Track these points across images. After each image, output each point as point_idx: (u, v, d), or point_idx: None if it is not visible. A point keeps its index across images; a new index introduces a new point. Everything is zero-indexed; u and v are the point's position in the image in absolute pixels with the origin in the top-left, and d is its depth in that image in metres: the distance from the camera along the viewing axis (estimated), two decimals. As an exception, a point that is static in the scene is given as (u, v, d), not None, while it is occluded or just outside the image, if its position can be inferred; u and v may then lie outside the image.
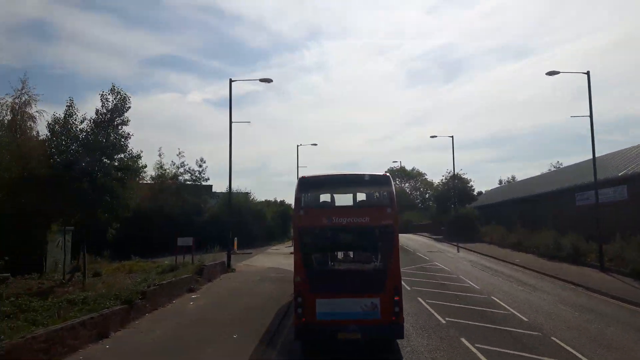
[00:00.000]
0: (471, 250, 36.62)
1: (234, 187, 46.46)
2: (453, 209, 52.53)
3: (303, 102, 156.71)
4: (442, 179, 54.55)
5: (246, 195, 47.09)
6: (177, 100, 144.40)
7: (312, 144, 52.78)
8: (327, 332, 9.93)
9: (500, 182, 78.41)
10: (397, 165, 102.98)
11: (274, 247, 41.94)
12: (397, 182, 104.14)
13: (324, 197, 12.00)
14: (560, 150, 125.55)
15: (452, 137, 48.26)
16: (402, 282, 11.04)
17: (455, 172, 53.36)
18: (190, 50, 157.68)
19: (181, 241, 24.30)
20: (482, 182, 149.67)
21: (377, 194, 11.96)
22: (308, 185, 11.21)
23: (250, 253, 36.25)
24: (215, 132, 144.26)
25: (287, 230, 48.85)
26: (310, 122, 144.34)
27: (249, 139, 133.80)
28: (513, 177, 79.57)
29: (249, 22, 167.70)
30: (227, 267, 25.18)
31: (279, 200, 59.54)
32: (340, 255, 12.23)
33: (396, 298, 9.91)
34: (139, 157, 18.48)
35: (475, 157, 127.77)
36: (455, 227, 47.61)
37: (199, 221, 41.63)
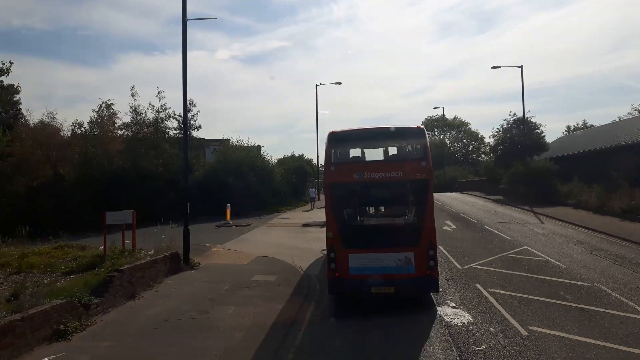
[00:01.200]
0: (560, 220, 25.52)
1: (244, 140, 36.61)
2: (517, 163, 40.99)
3: (331, 57, 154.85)
4: (503, 125, 42.65)
5: (256, 149, 36.70)
6: (205, 58, 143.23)
7: (335, 83, 41.60)
8: (360, 287, 9.84)
9: (569, 129, 65.06)
10: (436, 114, 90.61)
11: (284, 215, 31.93)
12: (436, 133, 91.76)
13: (355, 152, 11.86)
14: (596, 101, 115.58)
15: (522, 67, 36.57)
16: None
17: (520, 116, 41.40)
18: (216, 8, 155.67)
19: (112, 218, 14.36)
20: None
21: (410, 147, 11.82)
22: (338, 139, 10.76)
23: (248, 225, 26.35)
24: (243, 89, 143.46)
25: (303, 191, 38.71)
26: (339, 77, 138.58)
27: (276, 95, 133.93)
28: (585, 124, 66.08)
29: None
30: (182, 262, 14.91)
31: (297, 155, 49.44)
32: (372, 209, 11.87)
33: (431, 252, 9.84)
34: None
35: (507, 110, 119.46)
36: (524, 186, 36.31)
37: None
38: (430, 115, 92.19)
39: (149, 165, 31.57)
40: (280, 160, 40.34)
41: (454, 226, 23.35)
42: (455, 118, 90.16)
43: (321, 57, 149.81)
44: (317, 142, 43.00)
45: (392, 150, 12.64)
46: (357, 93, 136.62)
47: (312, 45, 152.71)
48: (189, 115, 35.11)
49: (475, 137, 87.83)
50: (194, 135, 35.35)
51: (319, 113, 41.17)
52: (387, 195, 10.76)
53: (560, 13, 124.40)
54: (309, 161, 48.66)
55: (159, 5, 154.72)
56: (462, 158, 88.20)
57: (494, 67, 36.72)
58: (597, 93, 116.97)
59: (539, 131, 41.17)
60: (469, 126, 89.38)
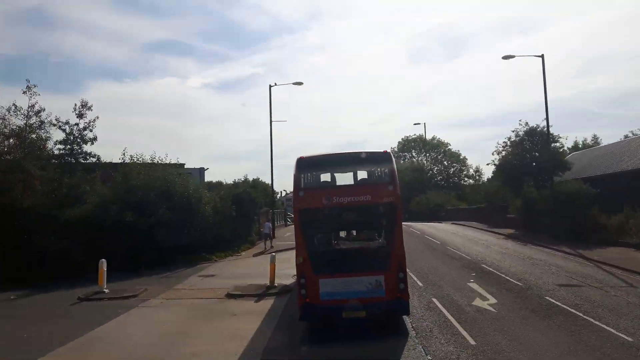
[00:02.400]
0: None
1: (163, 158, 25.69)
2: (528, 187, 31.54)
3: (306, 83, 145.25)
4: (510, 137, 33.22)
5: (174, 168, 25.67)
6: (177, 84, 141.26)
7: (294, 83, 31.62)
8: (331, 312, 9.86)
9: (577, 145, 56.44)
10: (413, 133, 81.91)
11: (209, 270, 20.65)
12: (414, 154, 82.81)
13: (325, 177, 11.95)
14: (563, 127, 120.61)
15: (542, 55, 27.35)
16: None
17: (534, 125, 32.20)
18: (189, 35, 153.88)
19: None
20: (487, 160, 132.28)
21: (377, 171, 11.94)
22: (306, 165, 10.87)
23: (134, 296, 15.42)
24: (217, 116, 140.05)
25: (248, 227, 27.86)
26: (313, 103, 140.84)
27: (250, 122, 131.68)
28: (595, 140, 57.81)
29: (248, 4, 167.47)
30: None
31: (250, 179, 38.99)
32: (342, 234, 12.04)
33: (400, 275, 9.93)
34: None
35: (476, 135, 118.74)
36: (548, 216, 26.69)
37: (65, 219, 20.97)
38: (407, 135, 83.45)
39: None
40: (215, 187, 29.33)
41: (492, 299, 13.02)
42: (434, 138, 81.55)
43: (291, 86, 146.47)
44: (271, 162, 32.85)
45: (362, 174, 12.48)
46: (330, 118, 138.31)
47: (285, 72, 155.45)
48: (80, 122, 24.32)
49: (457, 158, 79.20)
50: (86, 150, 24.38)
51: (274, 123, 30.91)
52: (356, 219, 10.94)
53: (527, 40, 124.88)
54: (264, 186, 38.16)
55: (132, 32, 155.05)
56: (443, 182, 79.19)
57: (505, 57, 27.30)
58: (562, 117, 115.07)
59: (557, 144, 31.99)
60: (449, 147, 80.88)
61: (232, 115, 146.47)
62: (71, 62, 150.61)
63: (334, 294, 9.81)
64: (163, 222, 21.12)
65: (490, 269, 17.51)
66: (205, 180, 42.26)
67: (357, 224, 11.33)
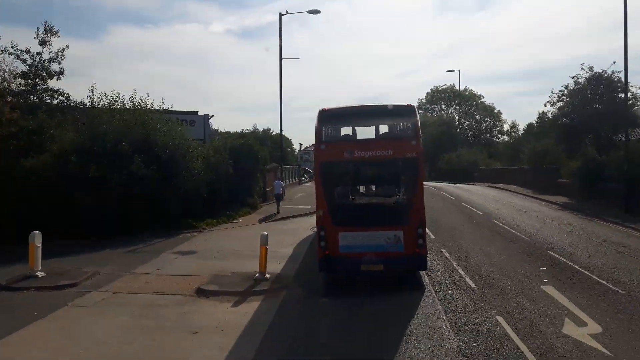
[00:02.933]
0: None
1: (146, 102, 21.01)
2: (587, 147, 26.18)
3: (328, 33, 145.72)
4: (568, 85, 27.43)
5: (158, 113, 20.76)
6: (199, 31, 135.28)
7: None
8: (350, 264, 9.92)
9: None
10: (444, 84, 75.29)
11: (193, 242, 16.33)
12: (443, 107, 76.46)
13: (346, 131, 11.86)
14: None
15: (629, -24, 21.18)
16: None
17: (599, 71, 26.38)
18: None
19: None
20: (515, 117, 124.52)
21: (400, 125, 11.82)
22: (328, 117, 10.78)
23: (72, 284, 11.24)
24: (238, 66, 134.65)
25: (250, 189, 23.43)
26: (335, 55, 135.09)
27: (271, 72, 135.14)
28: None
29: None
30: None
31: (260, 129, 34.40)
32: (362, 188, 12.05)
33: (420, 230, 9.91)
34: None
35: (505, 91, 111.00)
36: (626, 183, 21.45)
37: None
38: (437, 85, 76.73)
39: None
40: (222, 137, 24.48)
41: (593, 325, 8.27)
42: (465, 89, 74.68)
43: (316, 33, 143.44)
44: (280, 108, 28.02)
45: (383, 129, 12.64)
46: (352, 71, 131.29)
47: (307, 21, 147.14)
48: (43, 51, 19.73)
49: (491, 112, 72.53)
50: (52, 87, 19.95)
51: (284, 60, 25.85)
52: (377, 173, 10.97)
53: None
54: (276, 138, 33.55)
55: None
56: (473, 138, 73.11)
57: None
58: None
59: (629, 95, 26.12)
60: (482, 99, 74.08)
61: (254, 66, 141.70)
62: (92, 5, 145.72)
63: (353, 247, 9.90)
64: (137, 178, 16.80)
65: (564, 259, 12.74)
66: (215, 128, 37.91)
67: (379, 178, 11.27)
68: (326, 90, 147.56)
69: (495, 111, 72.07)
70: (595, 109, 26.35)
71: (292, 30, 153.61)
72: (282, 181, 25.43)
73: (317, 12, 26.56)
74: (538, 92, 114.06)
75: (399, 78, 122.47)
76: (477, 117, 74.19)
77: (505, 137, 71.37)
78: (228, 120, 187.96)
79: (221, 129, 41.36)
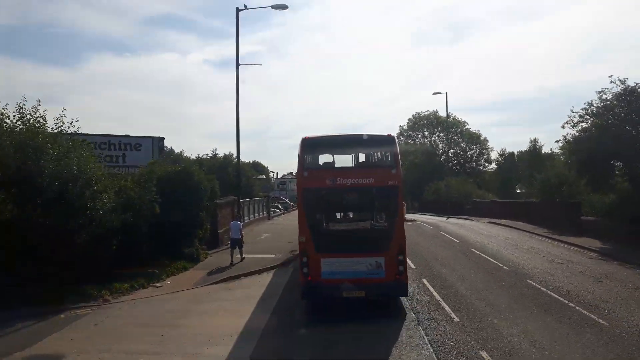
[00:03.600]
0: None
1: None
2: (620, 175, 21.14)
3: (305, 63, 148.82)
4: (592, 103, 22.44)
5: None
6: (178, 60, 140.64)
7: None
8: (332, 291, 10.08)
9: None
10: (426, 109, 71.19)
11: (69, 331, 9.66)
12: (426, 134, 72.13)
13: (326, 158, 11.95)
14: (564, 114, 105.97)
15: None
16: None
17: (635, 84, 21.53)
18: (189, 9, 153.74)
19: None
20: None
21: (379, 154, 12.00)
22: (311, 145, 10.95)
23: None
24: (215, 94, 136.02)
25: (188, 228, 16.93)
26: (312, 83, 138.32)
27: (248, 101, 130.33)
28: None
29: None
30: None
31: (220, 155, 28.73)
32: (344, 215, 12.07)
33: (400, 257, 10.14)
34: None
35: (479, 121, 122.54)
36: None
37: None
38: (419, 111, 72.54)
39: None
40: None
41: None
42: (449, 116, 70.48)
43: (294, 63, 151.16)
44: (237, 132, 22.17)
45: (362, 157, 12.70)
46: (331, 100, 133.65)
47: (285, 51, 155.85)
48: None
49: (477, 139, 68.38)
50: None
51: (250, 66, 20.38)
52: (358, 201, 11.22)
53: (530, 26, 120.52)
54: (244, 167, 27.82)
55: (132, 5, 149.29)
56: (458, 167, 68.59)
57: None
58: (565, 106, 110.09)
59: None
60: (467, 126, 69.98)
61: (230, 95, 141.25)
62: (71, 33, 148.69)
63: (335, 273, 10.11)
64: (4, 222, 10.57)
65: None
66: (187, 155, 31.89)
67: (360, 205, 11.46)
68: (305, 118, 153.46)
69: (482, 138, 67.97)
70: (628, 130, 21.39)
71: (269, 60, 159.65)
72: (241, 220, 19.36)
73: (284, 7, 21.16)
74: (507, 122, 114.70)
75: (377, 106, 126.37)
76: (463, 144, 69.88)
77: (493, 166, 67.05)
78: (203, 148, 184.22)
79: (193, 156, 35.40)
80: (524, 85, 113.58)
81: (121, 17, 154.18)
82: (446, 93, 45.99)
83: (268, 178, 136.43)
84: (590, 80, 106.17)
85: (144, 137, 30.42)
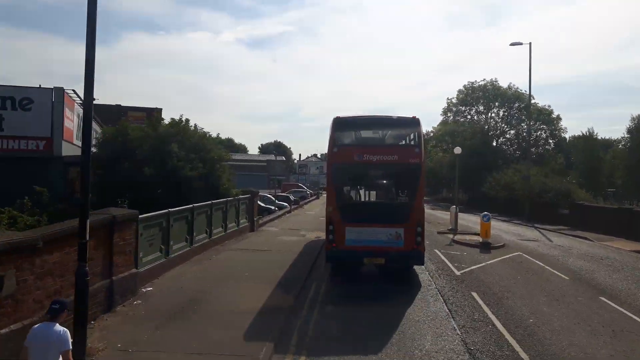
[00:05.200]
0: None
1: None
2: None
3: (336, 45, 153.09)
4: None
5: None
6: (209, 39, 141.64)
7: None
8: (354, 257, 11.39)
9: None
10: (483, 78, 56.37)
11: None
12: (481, 108, 57.50)
13: (356, 137, 13.08)
14: (605, 101, 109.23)
15: None
16: None
17: None
18: None
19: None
20: None
21: (405, 135, 13.01)
22: (341, 124, 12.09)
23: None
24: (246, 74, 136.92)
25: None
26: (342, 66, 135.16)
27: (279, 82, 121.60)
28: None
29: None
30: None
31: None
32: (369, 188, 13.33)
33: (419, 229, 11.21)
34: None
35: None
36: None
37: None
38: (472, 81, 57.90)
39: None
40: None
41: None
42: (510, 87, 55.72)
43: (325, 44, 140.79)
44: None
45: (390, 139, 13.58)
46: (360, 83, 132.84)
47: (316, 32, 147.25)
48: None
49: (546, 117, 53.43)
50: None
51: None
52: (382, 176, 12.31)
53: (568, 10, 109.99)
54: (191, 134, 14.76)
55: None
56: (517, 152, 54.07)
57: None
58: (604, 93, 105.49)
59: None
60: (534, 101, 54.91)
61: (261, 75, 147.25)
62: (105, 11, 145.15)
63: (358, 241, 11.23)
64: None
65: None
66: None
67: (384, 180, 12.49)
68: (332, 101, 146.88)
69: (554, 116, 52.93)
70: None
71: (301, 43, 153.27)
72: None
73: None
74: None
75: (408, 89, 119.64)
76: (526, 123, 54.86)
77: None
78: (235, 128, 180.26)
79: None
80: (562, 71, 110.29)
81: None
82: (529, 44, 31.75)
83: (287, 160, 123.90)
84: (626, 67, 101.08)
85: (37, 88, 18.12)
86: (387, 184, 12.61)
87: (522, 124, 54.78)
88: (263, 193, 51.30)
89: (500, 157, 50.71)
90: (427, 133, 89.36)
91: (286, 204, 38.76)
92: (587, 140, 50.89)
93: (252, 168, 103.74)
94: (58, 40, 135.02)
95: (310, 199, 59.36)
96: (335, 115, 12.00)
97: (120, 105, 69.06)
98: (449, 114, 58.46)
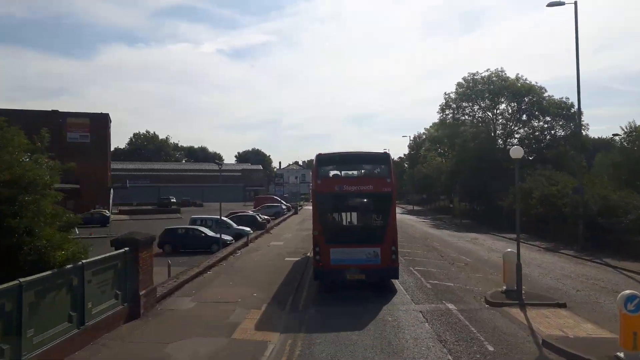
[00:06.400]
0: None
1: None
2: None
3: (316, 53, 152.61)
4: None
5: None
6: (190, 51, 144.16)
7: None
8: (338, 274, 12.94)
9: None
10: (486, 68, 47.61)
11: None
12: (486, 101, 48.71)
13: (336, 170, 15.33)
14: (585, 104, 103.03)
15: None
16: None
17: None
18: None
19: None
20: None
21: (378, 168, 14.94)
22: (324, 160, 14.32)
23: None
24: (227, 85, 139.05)
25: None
26: (323, 74, 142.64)
27: (260, 90, 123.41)
28: None
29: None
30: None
31: None
32: (349, 214, 14.48)
33: (393, 248, 13.01)
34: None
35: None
36: None
37: None
38: (472, 71, 49.16)
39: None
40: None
41: None
42: (518, 79, 47.03)
43: (306, 53, 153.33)
44: None
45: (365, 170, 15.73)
46: (342, 91, 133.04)
47: (296, 41, 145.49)
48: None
49: (565, 111, 44.63)
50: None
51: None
52: (360, 203, 14.00)
53: (543, 15, 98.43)
54: None
55: None
56: (533, 154, 45.29)
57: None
58: (583, 96, 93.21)
59: None
60: (546, 94, 46.24)
61: (241, 85, 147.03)
62: (83, 24, 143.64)
63: (341, 260, 12.83)
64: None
65: None
66: None
67: (362, 207, 14.03)
68: (314, 109, 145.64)
69: (573, 110, 44.14)
70: None
71: (278, 51, 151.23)
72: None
73: None
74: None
75: (390, 95, 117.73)
76: (537, 120, 46.14)
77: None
78: (215, 139, 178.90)
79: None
80: (537, 75, 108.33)
81: (132, 8, 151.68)
82: (575, 2, 22.84)
83: (266, 169, 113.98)
84: (604, 68, 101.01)
85: None
86: (364, 209, 14.09)
87: (535, 121, 46.02)
88: (232, 210, 41.71)
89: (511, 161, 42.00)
90: (419, 136, 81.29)
91: (248, 229, 29.30)
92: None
93: (226, 179, 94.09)
94: (38, 55, 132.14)
95: (287, 214, 49.67)
96: (317, 153, 14.37)
97: (57, 111, 59.32)
98: (447, 112, 49.50)
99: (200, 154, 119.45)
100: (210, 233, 25.30)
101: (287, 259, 19.48)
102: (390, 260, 12.78)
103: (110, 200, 62.39)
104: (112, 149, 68.45)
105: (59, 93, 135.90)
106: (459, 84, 49.08)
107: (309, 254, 19.05)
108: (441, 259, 19.80)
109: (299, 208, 57.99)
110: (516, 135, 47.46)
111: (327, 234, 12.98)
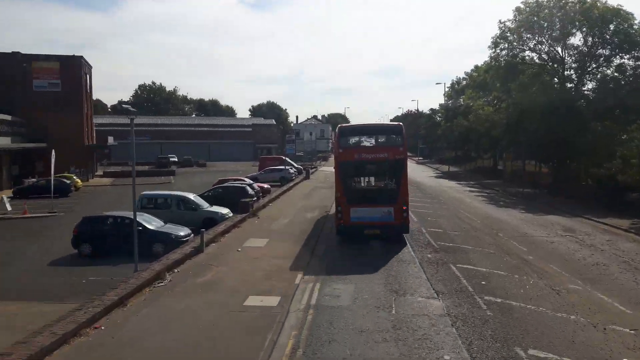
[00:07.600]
0: None
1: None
2: None
3: (340, 2, 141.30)
4: None
5: None
6: (211, 2, 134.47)
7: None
8: (357, 230, 15.36)
9: None
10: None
11: None
12: (554, 34, 36.92)
13: (356, 139, 17.66)
14: None
15: None
16: None
17: None
18: None
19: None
20: None
21: (392, 137, 17.22)
22: (345, 131, 17.26)
23: None
24: (249, 37, 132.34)
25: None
26: (348, 25, 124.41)
27: (283, 42, 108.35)
28: None
29: None
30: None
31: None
32: (366, 178, 17.35)
33: (404, 207, 15.31)
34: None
35: None
36: None
37: None
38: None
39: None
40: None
41: None
42: (597, 1, 34.95)
43: (330, 2, 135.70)
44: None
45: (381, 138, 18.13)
46: (367, 41, 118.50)
47: None
48: None
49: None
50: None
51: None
52: (376, 169, 16.48)
53: None
54: None
55: None
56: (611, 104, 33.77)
57: None
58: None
59: None
60: (637, 21, 34.11)
61: (264, 37, 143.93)
62: None
63: (359, 217, 15.15)
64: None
65: None
66: None
67: (378, 172, 16.70)
68: (338, 62, 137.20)
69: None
70: None
71: (302, 1, 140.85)
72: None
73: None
74: None
75: (415, 47, 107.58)
76: (630, 55, 34.30)
77: None
78: (235, 93, 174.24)
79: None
80: None
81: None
82: None
83: (280, 124, 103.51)
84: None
85: None
86: (380, 174, 16.81)
87: (625, 56, 34.28)
88: (238, 170, 32.32)
89: (598, 113, 31.14)
90: (458, 81, 69.42)
91: (225, 212, 19.93)
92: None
93: (236, 135, 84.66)
94: (58, 8, 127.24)
95: (295, 180, 39.76)
96: (339, 125, 18.40)
97: (19, 52, 49.67)
98: (501, 47, 38.10)
99: (210, 108, 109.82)
100: (153, 225, 15.91)
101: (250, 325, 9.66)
102: (402, 218, 15.28)
103: (95, 161, 54.03)
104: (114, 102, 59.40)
105: (85, 47, 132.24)
106: (517, 9, 37.31)
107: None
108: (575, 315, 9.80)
109: (312, 170, 47.92)
110: (597, 76, 35.98)
111: (347, 195, 15.51)
